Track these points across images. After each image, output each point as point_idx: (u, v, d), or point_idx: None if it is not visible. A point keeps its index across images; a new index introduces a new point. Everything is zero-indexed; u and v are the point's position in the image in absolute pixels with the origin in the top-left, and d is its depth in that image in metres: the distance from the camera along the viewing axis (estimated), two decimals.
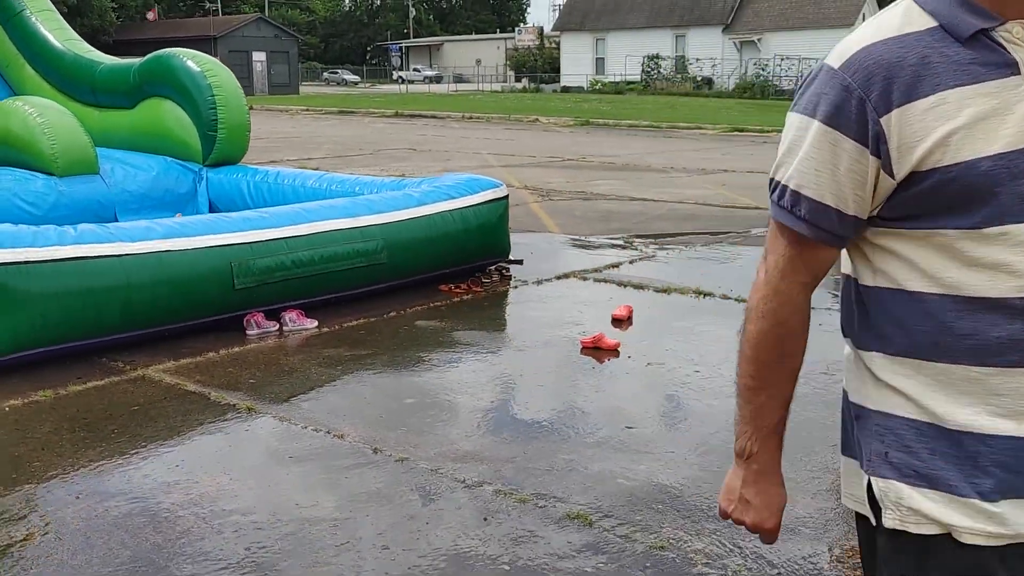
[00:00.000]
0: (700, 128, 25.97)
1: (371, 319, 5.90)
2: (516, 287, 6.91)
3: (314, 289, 5.94)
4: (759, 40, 44.84)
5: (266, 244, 5.65)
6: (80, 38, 10.42)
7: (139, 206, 8.25)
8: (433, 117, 31.75)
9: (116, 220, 8.01)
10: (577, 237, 9.00)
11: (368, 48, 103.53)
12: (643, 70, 46.91)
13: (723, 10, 46.71)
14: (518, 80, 67.21)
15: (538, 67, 55.58)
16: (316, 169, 14.63)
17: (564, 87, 48.90)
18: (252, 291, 5.58)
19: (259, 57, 59.73)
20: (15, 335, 4.69)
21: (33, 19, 10.26)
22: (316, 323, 5.73)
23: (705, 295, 6.60)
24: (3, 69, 10.49)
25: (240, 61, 60.84)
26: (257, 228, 5.67)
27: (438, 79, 79.94)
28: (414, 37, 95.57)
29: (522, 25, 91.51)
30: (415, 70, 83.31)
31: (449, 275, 6.87)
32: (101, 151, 8.31)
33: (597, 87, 47.31)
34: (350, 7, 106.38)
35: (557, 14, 56.14)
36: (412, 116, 32.31)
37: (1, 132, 7.92)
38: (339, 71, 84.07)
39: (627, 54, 47.76)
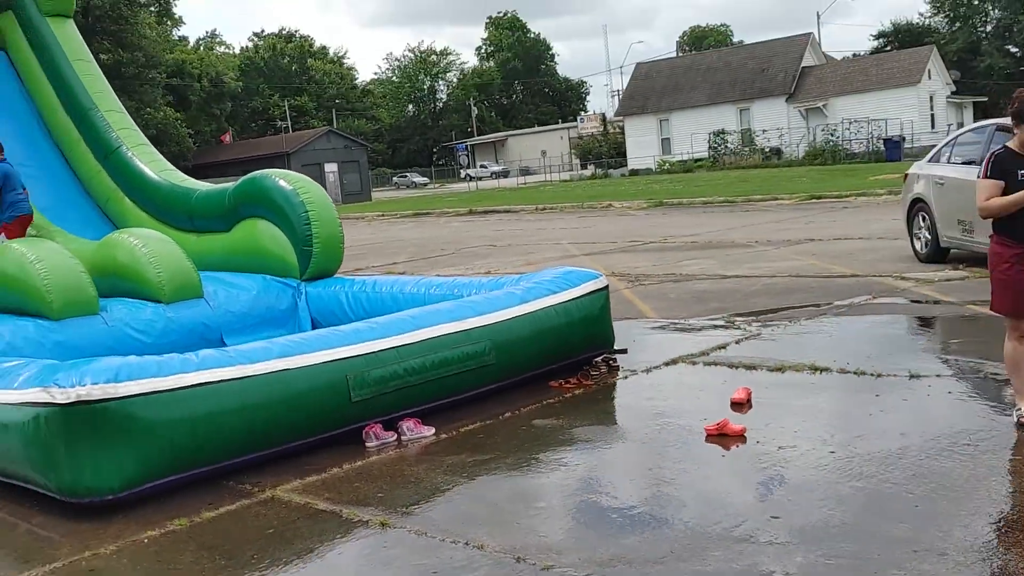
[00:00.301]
0: (776, 199, 25.77)
1: (487, 422, 5.85)
2: (626, 377, 6.81)
3: (426, 395, 5.92)
4: (824, 106, 44.72)
5: (378, 355, 5.67)
6: (173, 167, 10.81)
7: (242, 325, 8.39)
8: (507, 211, 32.13)
9: (223, 342, 8.18)
10: (676, 320, 8.89)
11: (434, 149, 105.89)
12: (710, 146, 47.03)
13: (784, 80, 46.82)
14: (584, 167, 67.89)
15: (604, 153, 56.04)
16: (403, 273, 14.88)
17: (632, 170, 49.22)
18: (368, 402, 5.58)
19: (331, 168, 61.39)
20: (146, 465, 4.74)
21: (129, 154, 10.70)
22: (433, 430, 5.70)
23: (821, 371, 6.42)
24: (104, 204, 10.91)
25: (313, 173, 62.29)
26: (368, 339, 5.70)
27: (505, 173, 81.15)
28: (478, 135, 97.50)
29: (583, 113, 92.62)
30: (482, 167, 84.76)
31: (556, 370, 6.82)
32: (203, 274, 8.52)
33: (665, 167, 47.52)
34: (414, 112, 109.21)
35: (618, 99, 56.84)
36: (486, 212, 32.74)
37: (109, 264, 8.17)
38: (408, 174, 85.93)
39: (692, 132, 48.00)
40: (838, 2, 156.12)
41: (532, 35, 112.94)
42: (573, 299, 6.90)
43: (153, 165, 10.58)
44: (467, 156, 74.14)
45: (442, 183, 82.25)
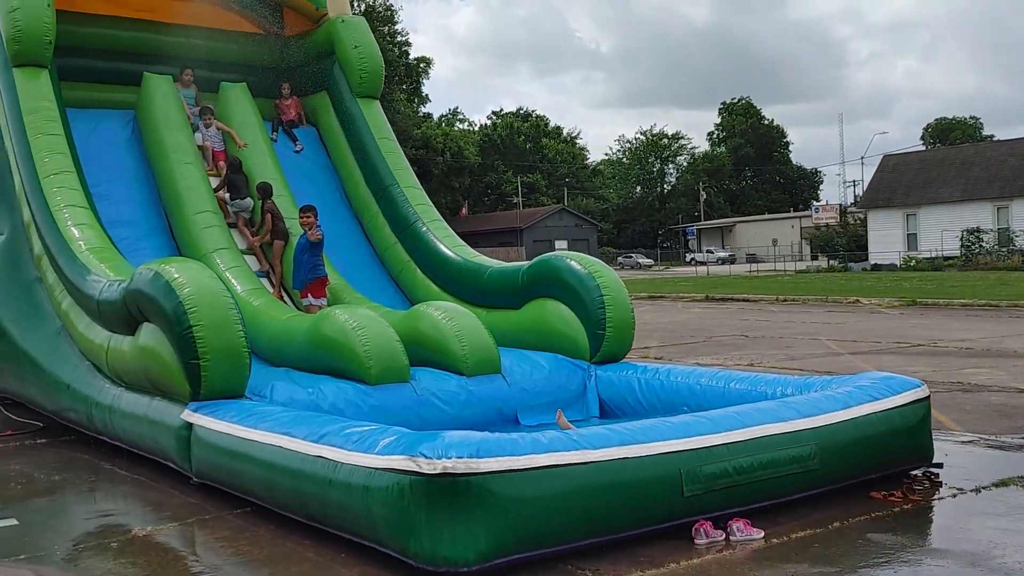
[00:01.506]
0: None
1: (815, 530, 5.64)
2: (954, 496, 6.41)
3: (751, 496, 5.78)
4: None
5: (710, 450, 5.61)
6: (464, 243, 11.28)
7: (536, 404, 8.56)
8: (745, 300, 31.51)
9: (517, 419, 8.37)
10: (986, 436, 8.34)
11: (660, 231, 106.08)
12: (962, 244, 44.58)
13: None
14: (815, 258, 65.88)
15: (842, 245, 54.25)
16: (659, 359, 14.81)
17: (874, 264, 47.31)
18: (698, 498, 5.51)
19: (561, 245, 62.70)
20: (498, 540, 4.85)
21: (424, 229, 11.27)
22: (762, 533, 5.54)
23: None
24: (396, 275, 11.50)
25: (543, 249, 63.83)
26: (701, 433, 5.65)
27: (732, 259, 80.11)
28: (705, 219, 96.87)
29: (816, 203, 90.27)
30: (708, 251, 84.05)
31: (875, 480, 6.51)
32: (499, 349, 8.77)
33: (911, 263, 45.37)
34: (641, 193, 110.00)
35: (853, 190, 55.05)
36: (723, 300, 32.24)
37: (414, 334, 8.55)
38: (633, 255, 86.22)
39: (942, 228, 45.72)
40: None
41: (766, 121, 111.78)
42: (896, 407, 6.60)
43: (447, 240, 11.09)
44: (696, 240, 73.50)
45: (667, 265, 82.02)
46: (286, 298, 10.66)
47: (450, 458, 4.79)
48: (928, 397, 6.89)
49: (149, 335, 7.49)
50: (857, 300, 28.80)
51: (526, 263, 9.96)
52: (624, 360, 9.24)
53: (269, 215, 11.00)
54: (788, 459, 5.91)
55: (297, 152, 12.57)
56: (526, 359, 8.93)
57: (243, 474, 6.34)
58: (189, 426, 6.97)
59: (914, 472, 6.81)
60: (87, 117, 11.40)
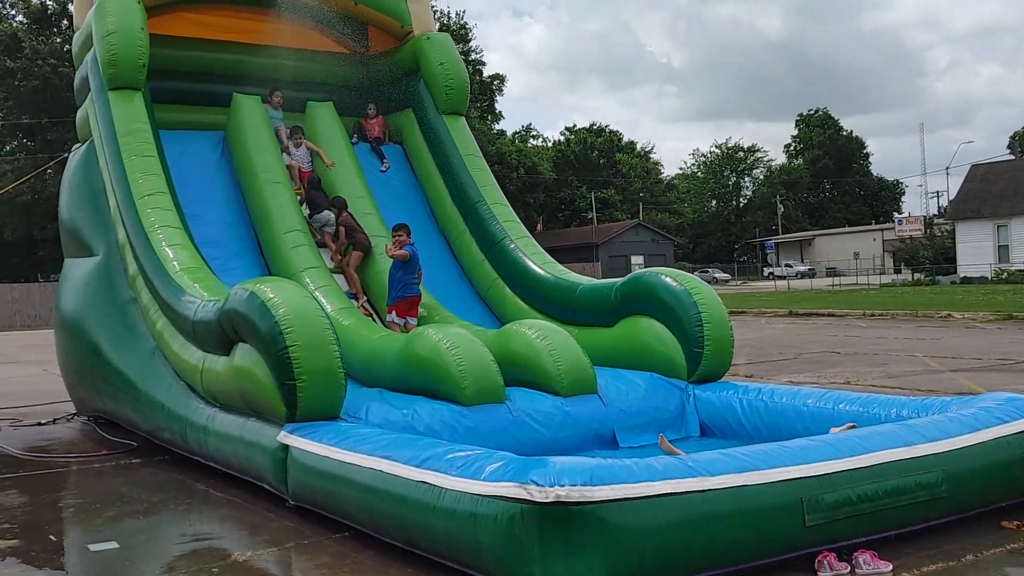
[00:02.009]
0: None
1: (948, 563, 5.29)
2: None
3: (874, 526, 5.46)
4: None
5: (831, 477, 5.30)
6: (553, 260, 11.08)
7: (633, 425, 8.30)
8: (831, 315, 30.73)
9: (615, 440, 8.12)
10: None
11: (736, 246, 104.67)
12: None
13: None
14: (897, 271, 64.20)
15: (928, 258, 52.76)
16: (750, 376, 14.41)
17: (964, 277, 45.89)
18: (820, 528, 5.21)
19: (637, 260, 62.24)
20: (612, 572, 4.63)
21: (512, 246, 11.10)
22: (891, 566, 5.21)
23: None
24: (484, 292, 11.36)
25: (619, 265, 63.78)
26: (822, 459, 5.35)
27: (811, 273, 78.60)
28: (782, 232, 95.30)
29: (898, 215, 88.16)
30: (787, 265, 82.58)
31: (1004, 509, 6.12)
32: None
33: (1003, 276, 43.89)
34: (716, 207, 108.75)
35: (937, 201, 53.50)
36: (808, 315, 31.51)
37: (506, 353, 8.36)
38: (709, 270, 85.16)
39: None
40: None
41: (845, 132, 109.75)
42: None
43: (536, 257, 10.91)
44: (775, 254, 72.34)
45: (744, 280, 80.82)
46: (372, 313, 10.63)
47: (563, 486, 4.58)
48: None
49: (244, 355, 7.44)
50: (949, 314, 27.85)
51: (619, 280, 9.73)
52: (723, 379, 8.94)
53: (343, 227, 11.05)
54: (914, 486, 5.58)
55: (383, 171, 12.54)
56: (622, 378, 8.69)
57: (341, 498, 6.20)
58: (285, 448, 6.87)
59: None
60: (179, 138, 11.51)
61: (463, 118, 12.45)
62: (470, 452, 5.42)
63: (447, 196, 12.04)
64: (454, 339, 7.97)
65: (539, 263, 10.79)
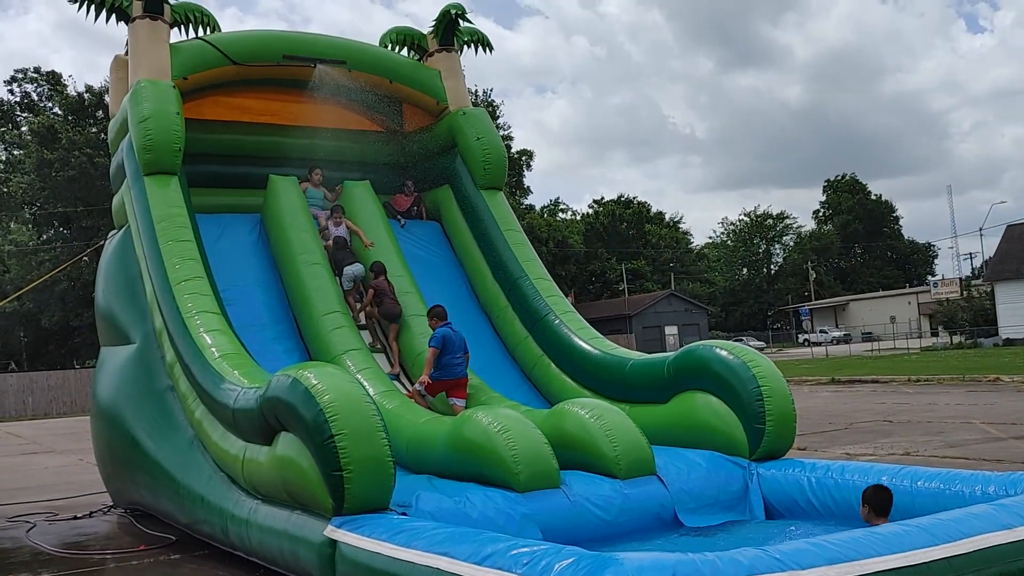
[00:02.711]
0: None
1: None
2: None
3: None
4: None
5: (930, 566, 4.85)
6: (600, 335, 10.74)
7: (696, 505, 7.86)
8: (875, 381, 30.05)
9: (677, 521, 7.69)
10: None
11: (769, 313, 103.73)
12: None
13: None
14: (934, 334, 63.13)
15: (967, 320, 51.86)
16: (803, 450, 13.88)
17: (1007, 339, 44.98)
18: None
19: (671, 331, 61.68)
20: None
21: (557, 322, 10.79)
22: None
23: None
24: (529, 370, 11.02)
25: (653, 336, 63.19)
26: (919, 547, 4.89)
27: (847, 339, 77.57)
28: (815, 298, 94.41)
29: (933, 277, 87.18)
30: (822, 331, 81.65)
31: None
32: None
33: None
34: (748, 275, 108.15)
35: (970, 263, 52.64)
36: (851, 382, 30.84)
37: (558, 434, 7.98)
38: (743, 337, 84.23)
39: None
40: None
41: (874, 197, 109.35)
42: None
43: (582, 332, 10.58)
44: (810, 321, 71.60)
45: (779, 347, 79.79)
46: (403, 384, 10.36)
47: None
48: None
49: (288, 445, 7.12)
50: (998, 378, 27.14)
51: (671, 354, 9.36)
52: (787, 456, 8.51)
53: (372, 290, 10.87)
54: (1019, 573, 5.11)
55: (402, 226, 12.31)
56: (680, 457, 8.27)
57: None
58: (333, 543, 6.50)
59: None
60: (215, 222, 11.38)
61: (501, 193, 12.27)
62: (535, 547, 5.03)
63: (488, 272, 11.78)
64: (504, 421, 7.61)
65: (586, 339, 10.45)
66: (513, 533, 6.76)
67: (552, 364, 10.72)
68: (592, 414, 8.07)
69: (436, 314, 10.00)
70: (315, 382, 6.77)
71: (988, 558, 5.05)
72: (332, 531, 6.53)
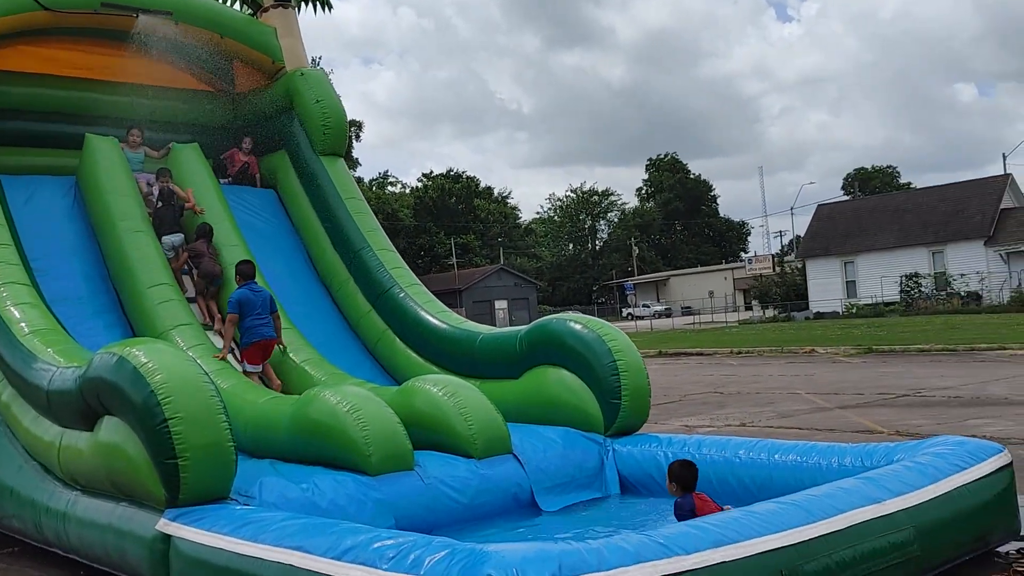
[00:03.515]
0: (1004, 347, 23.90)
1: None
2: None
3: None
4: None
5: (809, 544, 4.75)
6: (448, 308, 10.38)
7: (552, 485, 7.63)
8: (700, 354, 30.99)
9: (534, 504, 7.44)
10: None
11: (594, 288, 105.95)
12: (901, 290, 44.95)
13: (982, 223, 44.69)
14: (748, 308, 66.07)
15: (779, 295, 54.43)
16: None
17: (817, 313, 47.42)
18: None
19: (501, 305, 62.01)
20: None
21: (402, 295, 10.34)
22: None
23: None
24: (372, 345, 10.54)
25: (483, 310, 63.28)
26: (797, 524, 4.79)
27: (667, 313, 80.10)
28: (638, 274, 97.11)
29: (747, 254, 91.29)
30: (644, 305, 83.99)
31: (967, 564, 5.72)
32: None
33: (853, 311, 45.56)
34: (574, 251, 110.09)
35: (780, 240, 55.25)
36: (677, 355, 31.68)
37: (409, 413, 7.55)
38: (569, 312, 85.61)
39: (881, 275, 46.09)
40: None
41: (693, 176, 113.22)
42: (984, 476, 5.86)
43: (429, 306, 10.18)
44: (635, 295, 73.51)
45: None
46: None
47: None
48: (1011, 463, 6.17)
49: (113, 430, 6.42)
50: (813, 350, 28.46)
51: (523, 328, 9.10)
52: (642, 432, 8.39)
53: (186, 253, 10.16)
54: (888, 547, 5.09)
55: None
56: (536, 435, 8.01)
57: None
58: (167, 538, 5.87)
59: (1006, 551, 6.03)
60: (23, 184, 10.29)
61: (341, 159, 11.66)
62: (400, 539, 4.62)
63: (327, 243, 11.19)
64: (354, 400, 7.12)
65: (433, 312, 10.06)
66: (365, 521, 6.33)
67: (397, 339, 10.28)
68: (445, 391, 7.69)
69: (241, 272, 9.29)
70: (144, 360, 6.10)
71: (860, 534, 4.99)
72: (165, 525, 5.91)
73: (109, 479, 6.55)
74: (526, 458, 7.64)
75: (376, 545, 4.61)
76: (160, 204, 10.46)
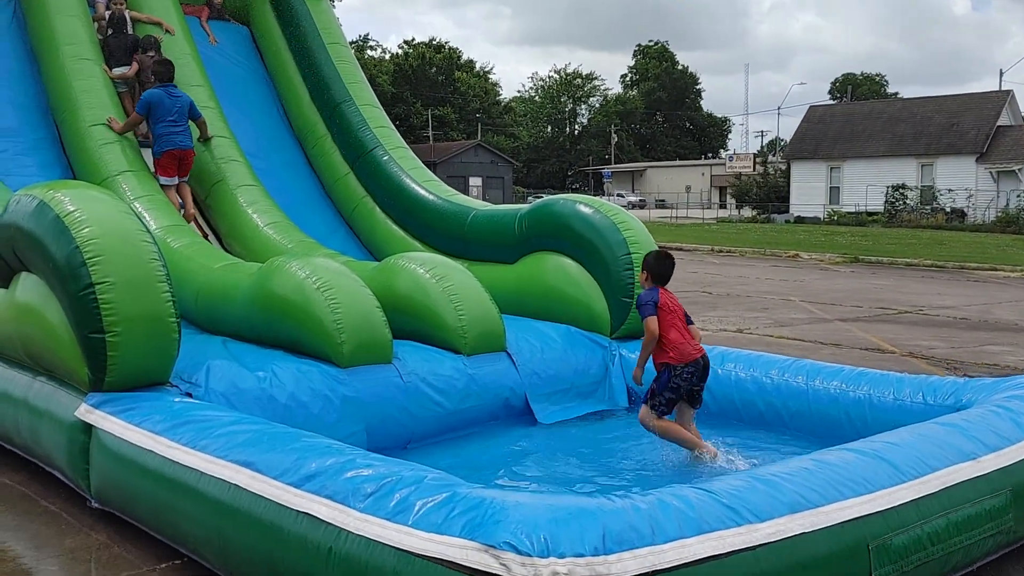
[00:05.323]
0: (996, 269, 23.15)
1: None
2: None
3: (939, 573, 3.95)
4: (1021, 170, 41.30)
5: (898, 512, 3.74)
6: (437, 178, 9.17)
7: (550, 391, 6.59)
8: (680, 249, 29.99)
9: (528, 410, 6.42)
10: None
11: (569, 172, 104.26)
12: (886, 200, 44.04)
13: (976, 139, 43.55)
14: (723, 206, 65.05)
15: (760, 196, 53.41)
16: None
17: (798, 217, 46.50)
18: None
19: (475, 182, 60.41)
20: None
21: (386, 158, 9.11)
22: None
23: None
24: (348, 212, 9.34)
25: (457, 186, 61.22)
26: (886, 485, 3.76)
27: (641, 204, 78.92)
28: (615, 162, 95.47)
29: (727, 152, 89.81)
30: (618, 195, 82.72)
31: None
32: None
33: (835, 218, 44.69)
34: (552, 133, 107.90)
35: (760, 140, 53.85)
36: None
37: (390, 296, 6.42)
38: (543, 195, 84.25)
39: (867, 183, 45.09)
40: None
41: (680, 67, 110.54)
42: None
43: (415, 173, 8.96)
44: (611, 183, 72.24)
45: None
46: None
47: (562, 556, 2.80)
48: None
49: (30, 290, 5.28)
50: (797, 254, 27.63)
51: (523, 207, 7.94)
52: None
53: (135, 64, 8.84)
54: (984, 516, 4.10)
55: (213, 45, 10.09)
56: (534, 332, 6.92)
57: (174, 513, 4.21)
58: (88, 428, 4.79)
59: None
60: None
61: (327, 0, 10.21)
62: (382, 468, 3.55)
63: (304, 92, 9.84)
64: (325, 276, 5.93)
65: (420, 180, 8.85)
66: (331, 423, 5.30)
67: (377, 208, 9.09)
68: (433, 273, 6.54)
69: (158, 73, 8.23)
70: (71, 208, 4.90)
71: (954, 499, 3.98)
72: (87, 412, 4.81)
73: (24, 349, 5.43)
74: (521, 359, 6.58)
75: (350, 474, 3.53)
76: (111, 32, 9.02)
